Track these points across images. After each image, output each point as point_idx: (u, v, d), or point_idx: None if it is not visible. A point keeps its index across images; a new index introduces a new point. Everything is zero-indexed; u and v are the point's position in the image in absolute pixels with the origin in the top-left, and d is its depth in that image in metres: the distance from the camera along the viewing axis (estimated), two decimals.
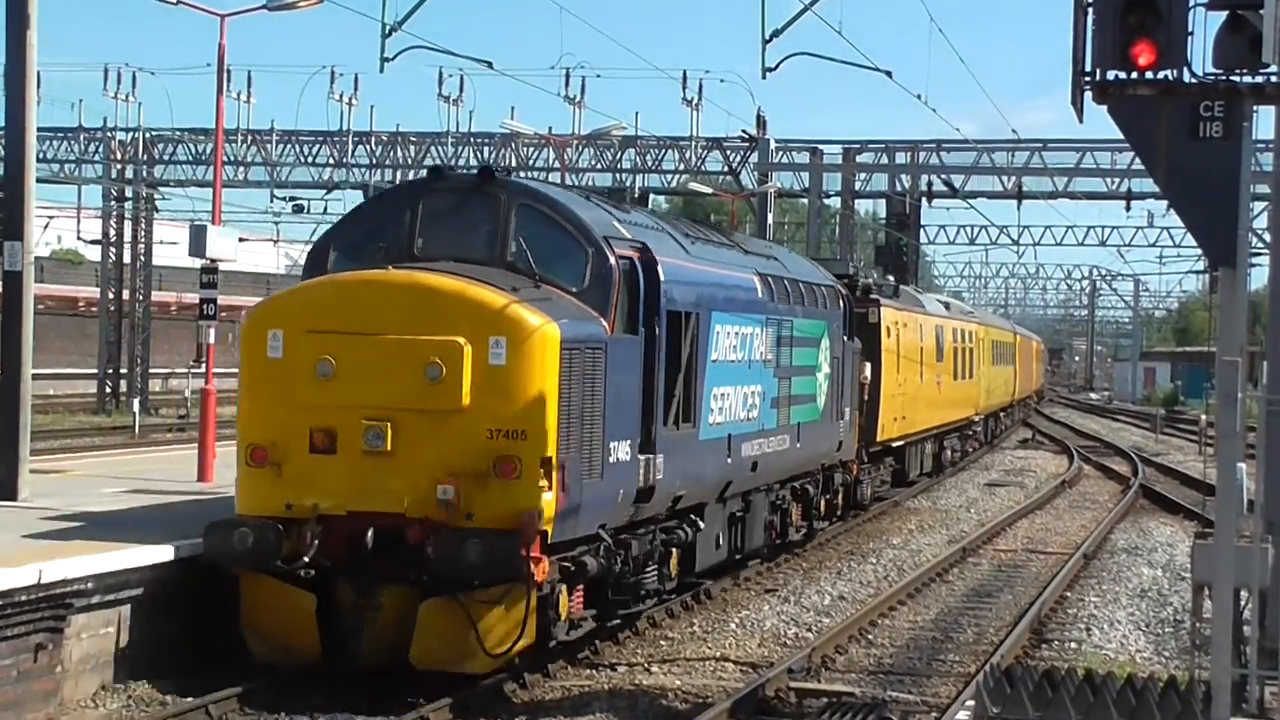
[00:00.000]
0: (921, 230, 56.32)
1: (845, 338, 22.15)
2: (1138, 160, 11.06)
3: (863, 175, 48.52)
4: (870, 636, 16.20)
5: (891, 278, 35.10)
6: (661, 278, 14.11)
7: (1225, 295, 9.67)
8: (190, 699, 11.86)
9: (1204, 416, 44.27)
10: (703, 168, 48.73)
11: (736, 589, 18.80)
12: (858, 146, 47.47)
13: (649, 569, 14.55)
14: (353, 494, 12.23)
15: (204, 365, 21.03)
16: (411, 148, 49.00)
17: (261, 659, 12.40)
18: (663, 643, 15.56)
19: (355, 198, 53.02)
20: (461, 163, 49.11)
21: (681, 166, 49.06)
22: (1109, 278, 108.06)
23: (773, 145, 43.77)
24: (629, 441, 13.47)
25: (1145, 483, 34.63)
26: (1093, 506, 30.65)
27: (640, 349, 13.78)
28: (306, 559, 12.15)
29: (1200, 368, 78.21)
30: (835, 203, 50.31)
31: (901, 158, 48.31)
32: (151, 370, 50.97)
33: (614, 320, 13.25)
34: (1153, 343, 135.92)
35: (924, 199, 48.74)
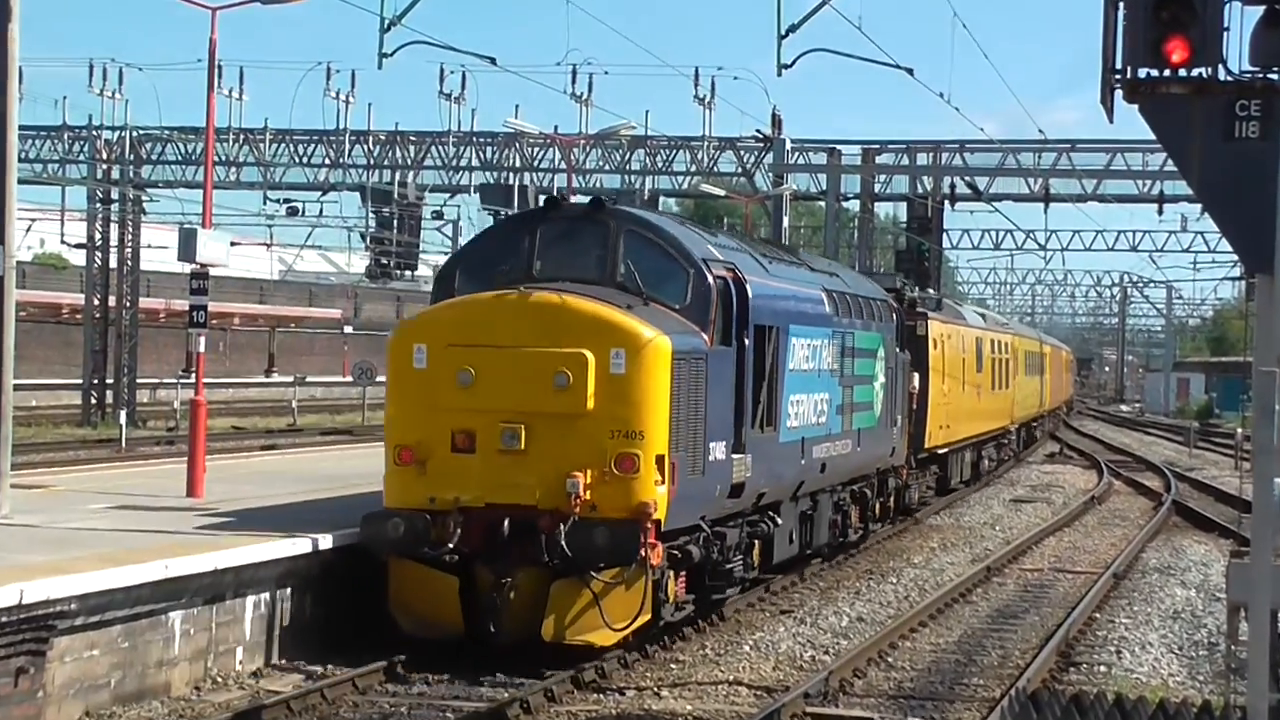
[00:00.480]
0: (944, 234, 56.27)
1: (898, 349, 24.81)
2: (1170, 162, 11.04)
3: (882, 177, 48.53)
4: (890, 659, 16.18)
5: (933, 291, 36.34)
6: (750, 295, 16.64)
7: (1262, 303, 9.64)
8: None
9: (1240, 430, 44.20)
10: (715, 169, 48.76)
11: (750, 609, 18.80)
12: (877, 147, 47.49)
13: (736, 559, 16.88)
14: (490, 488, 14.65)
15: (194, 375, 21.04)
16: (411, 147, 49.09)
17: (409, 633, 14.81)
18: (673, 666, 15.55)
19: (352, 200, 53.16)
20: (463, 162, 49.18)
21: (693, 168, 49.10)
22: (1140, 284, 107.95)
23: (788, 145, 43.77)
24: (724, 442, 15.94)
25: (1178, 499, 34.59)
26: (1123, 524, 30.61)
27: (733, 359, 16.28)
28: (450, 546, 14.59)
29: (1236, 379, 78.06)
30: (854, 206, 50.32)
31: (923, 159, 48.32)
32: (139, 380, 51.04)
33: (712, 334, 15.78)
34: (1186, 353, 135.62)
35: (946, 202, 48.71)
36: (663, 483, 14.67)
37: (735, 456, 16.27)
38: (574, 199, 25.92)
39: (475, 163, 49.59)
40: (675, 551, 15.14)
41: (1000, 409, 40.50)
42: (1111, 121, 10.01)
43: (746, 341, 16.65)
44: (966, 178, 46.97)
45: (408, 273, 53.06)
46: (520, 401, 14.64)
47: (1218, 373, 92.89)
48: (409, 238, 50.44)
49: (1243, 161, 9.33)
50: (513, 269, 15.78)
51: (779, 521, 18.28)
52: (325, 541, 15.54)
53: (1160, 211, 47.79)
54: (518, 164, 49.86)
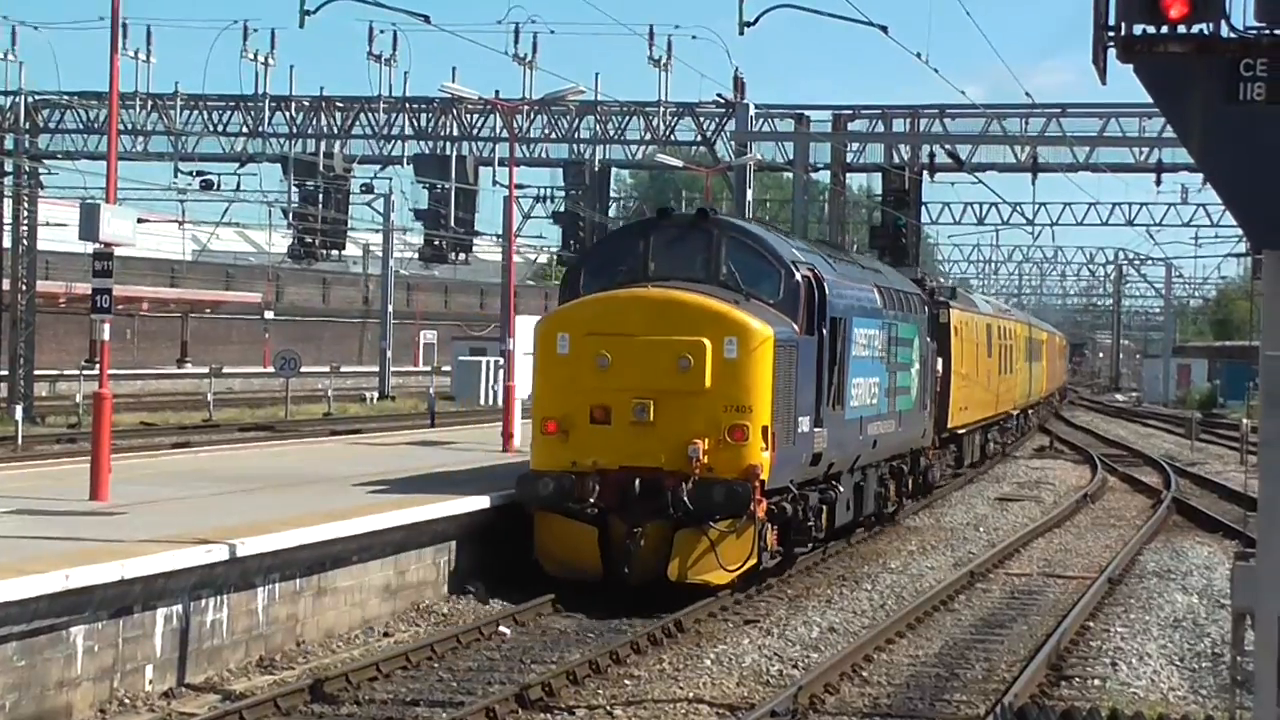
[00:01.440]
0: (923, 208, 56.35)
1: (928, 337, 30.02)
2: (1169, 127, 11.05)
3: (855, 145, 48.56)
4: (865, 674, 16.22)
5: (938, 282, 39.16)
6: (826, 291, 21.66)
7: (1270, 281, 9.64)
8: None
9: (1246, 421, 44.49)
10: (672, 137, 48.73)
11: (712, 620, 18.82)
12: (849, 113, 47.50)
13: (812, 519, 21.57)
14: (623, 454, 19.52)
15: (98, 366, 20.86)
16: (338, 114, 48.85)
17: (554, 574, 19.60)
18: (628, 681, 15.56)
19: (273, 172, 52.86)
20: (395, 131, 48.97)
21: (648, 136, 49.04)
22: (1137, 262, 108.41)
23: (752, 111, 43.77)
24: (809, 417, 20.90)
25: (1179, 496, 34.81)
26: (1119, 524, 30.78)
27: (815, 346, 21.25)
28: (591, 501, 19.47)
29: (1242, 365, 78.69)
30: (824, 177, 50.36)
31: (899, 125, 48.37)
32: (37, 372, 50.63)
33: (800, 324, 20.73)
34: (1187, 336, 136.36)
35: (925, 172, 48.78)
36: (766, 449, 19.59)
37: (816, 430, 21.28)
38: (516, 169, 27.58)
39: (408, 131, 49.39)
40: (773, 507, 20.08)
41: (1005, 393, 45.54)
42: (1104, 84, 10.00)
43: (824, 331, 21.61)
44: (947, 146, 47.04)
45: (335, 252, 52.83)
46: (649, 381, 19.53)
47: (1222, 358, 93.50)
48: (336, 213, 50.21)
49: (1248, 126, 9.30)
50: (631, 269, 20.89)
51: (841, 490, 23.02)
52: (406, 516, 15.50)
53: (1158, 182, 47.91)
54: (455, 132, 49.68)
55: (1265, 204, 9.40)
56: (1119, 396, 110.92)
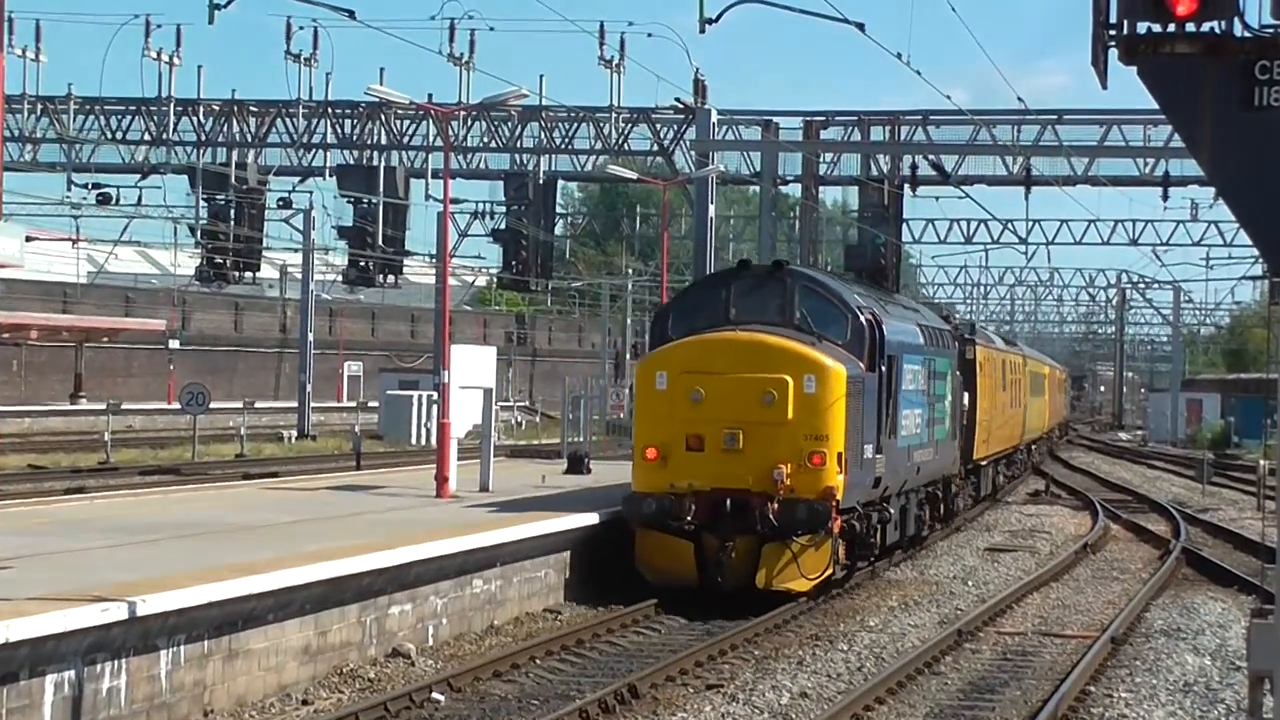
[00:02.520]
0: (904, 225, 56.67)
1: (956, 371, 35.45)
2: (1177, 136, 11.10)
3: (829, 156, 48.80)
4: None
5: (959, 318, 43.67)
6: (885, 332, 27.01)
7: None
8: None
9: (1263, 462, 44.68)
10: (625, 146, 48.90)
11: (670, 684, 18.78)
12: (822, 120, 47.76)
13: (872, 537, 27.22)
14: (716, 477, 24.71)
15: None
16: (252, 120, 48.82)
17: (654, 583, 24.72)
18: None
19: (179, 185, 52.61)
20: (317, 138, 48.91)
21: (598, 145, 49.16)
22: (1142, 285, 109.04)
23: (714, 118, 43.86)
24: (871, 445, 26.33)
25: (1189, 546, 34.94)
26: (1122, 577, 30.88)
27: (876, 382, 26.69)
28: (688, 519, 24.55)
29: (1258, 400, 79.15)
30: (794, 191, 50.63)
31: (878, 133, 48.67)
32: None
33: (865, 362, 26.23)
34: (1198, 368, 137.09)
35: (906, 186, 49.05)
36: (840, 473, 24.87)
37: (876, 456, 26.69)
38: (452, 182, 28.42)
39: (331, 139, 49.41)
40: (845, 524, 25.38)
41: (1016, 427, 50.90)
42: (1105, 88, 10.02)
43: (883, 368, 27.07)
44: (930, 156, 47.32)
45: (248, 274, 52.77)
46: (738, 413, 24.79)
47: (1236, 392, 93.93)
48: (249, 231, 50.12)
49: (1264, 135, 9.31)
50: (713, 314, 26.23)
51: (891, 511, 28.38)
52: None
53: (1165, 196, 48.36)
54: (383, 141, 49.71)
55: None
56: (1122, 435, 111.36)
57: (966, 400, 37.34)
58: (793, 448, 24.73)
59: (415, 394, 65.41)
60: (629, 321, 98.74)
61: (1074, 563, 32.60)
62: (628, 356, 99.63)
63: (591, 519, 25.61)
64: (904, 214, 52.70)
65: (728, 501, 24.69)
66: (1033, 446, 61.14)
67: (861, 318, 26.62)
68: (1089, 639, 22.64)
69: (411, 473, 36.74)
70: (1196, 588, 29.11)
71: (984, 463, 42.45)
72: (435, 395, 43.21)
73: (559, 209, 73.74)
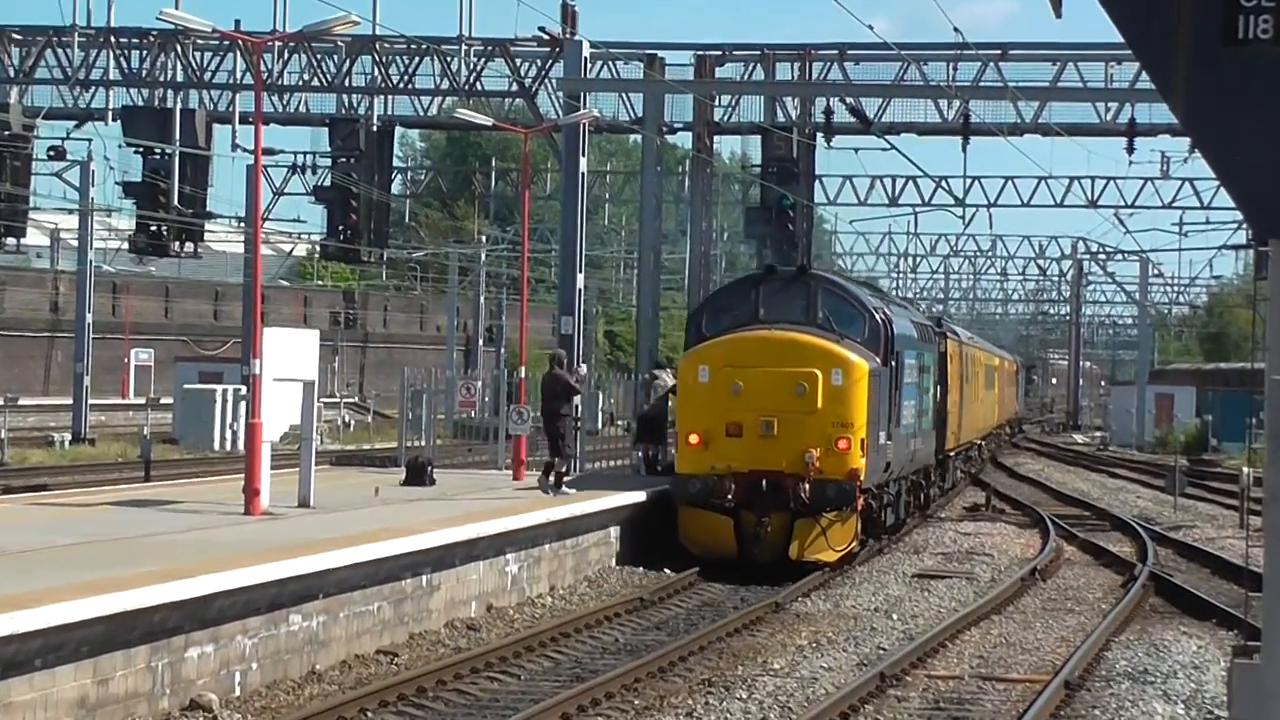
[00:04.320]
0: (816, 183, 56.88)
1: (934, 365, 44.53)
2: (1145, 76, 11.15)
3: (726, 98, 48.85)
4: None
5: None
6: (894, 330, 36.21)
7: (1276, 280, 9.72)
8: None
9: (1247, 470, 45.20)
10: (478, 86, 48.71)
11: None
12: (718, 54, 47.82)
13: (884, 516, 36.97)
14: (753, 460, 33.09)
15: None
16: (14, 49, 48.21)
17: (697, 555, 33.20)
18: None
19: None
20: (96, 74, 48.40)
21: (445, 84, 48.96)
22: (1102, 256, 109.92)
23: (587, 51, 43.83)
24: (884, 432, 35.10)
25: (1158, 571, 35.28)
26: (1078, 609, 31.14)
27: (889, 375, 35.58)
28: (728, 498, 32.95)
29: (1241, 394, 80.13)
30: (684, 141, 50.66)
31: (784, 71, 48.78)
32: None
33: (882, 358, 34.94)
34: (1169, 356, 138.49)
35: (820, 135, 49.21)
36: (863, 456, 33.55)
37: (887, 443, 35.73)
38: (265, 128, 27.63)
39: (114, 75, 48.87)
40: (866, 502, 34.53)
41: (976, 421, 60.20)
42: (1059, 16, 10.07)
43: (893, 363, 36.13)
44: (848, 99, 47.49)
45: (10, 240, 52.12)
46: (773, 403, 33.38)
47: (1214, 385, 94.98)
48: (12, 187, 49.52)
49: (1249, 75, 9.37)
50: (744, 314, 35.25)
51: (893, 493, 38.30)
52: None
53: (1130, 149, 48.72)
54: (179, 77, 49.24)
55: (1270, 180, 9.46)
56: (1078, 437, 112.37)
57: (939, 394, 45.77)
58: (821, 434, 33.36)
59: (219, 388, 64.93)
60: (482, 299, 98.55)
61: (1020, 592, 32.84)
62: (480, 342, 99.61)
63: (447, 536, 25.56)
64: (816, 169, 52.87)
65: (764, 482, 33.31)
66: (982, 445, 68.30)
67: (877, 317, 36.01)
68: (1038, 684, 22.80)
69: (215, 485, 36.48)
70: (1167, 621, 29.38)
71: (953, 454, 52.38)
72: (244, 390, 42.85)
73: (397, 162, 73.35)
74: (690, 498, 33.69)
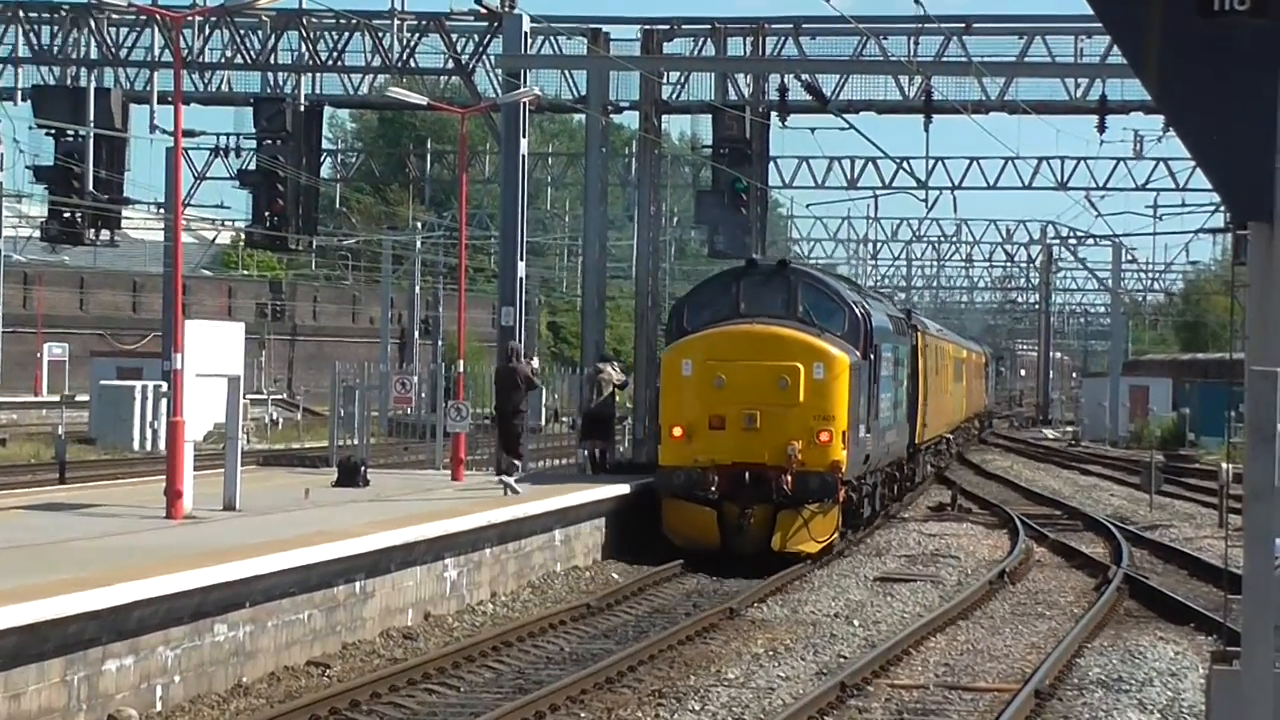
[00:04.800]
0: (771, 165, 56.93)
1: (907, 358, 47.98)
2: (1117, 50, 11.15)
3: (675, 75, 48.83)
4: None
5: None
6: (873, 324, 38.80)
7: (1256, 265, 9.75)
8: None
9: (1226, 465, 45.34)
10: (412, 63, 48.61)
11: None
12: (666, 28, 47.76)
13: (863, 507, 39.85)
14: (736, 452, 35.64)
15: None
16: None
17: (680, 546, 35.77)
18: None
19: None
20: (4, 51, 48.20)
21: (376, 60, 48.86)
22: (1072, 241, 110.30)
23: (527, 26, 43.80)
24: (864, 425, 37.92)
25: (1133, 573, 35.38)
26: (1049, 613, 31.21)
27: (868, 369, 38.15)
28: (712, 490, 35.45)
29: (1219, 386, 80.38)
30: (630, 120, 50.58)
31: (737, 46, 48.78)
32: None
33: (861, 351, 37.59)
34: (1144, 346, 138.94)
35: (774, 114, 49.24)
36: (844, 449, 35.84)
37: (865, 435, 38.29)
38: (185, 108, 27.63)
39: (24, 52, 48.67)
40: (847, 494, 36.95)
41: (944, 415, 62.91)
42: None
43: (872, 357, 38.67)
44: (804, 76, 47.53)
45: None
46: (756, 396, 35.61)
47: (1191, 376, 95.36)
48: None
49: (1228, 50, 9.38)
50: (724, 308, 37.66)
51: (869, 486, 41.00)
52: None
53: (1102, 127, 48.81)
54: (93, 54, 49.06)
55: (1249, 160, 9.46)
56: (1048, 432, 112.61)
57: (910, 387, 48.98)
58: (803, 426, 35.72)
59: (138, 385, 64.72)
60: (418, 289, 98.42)
61: (988, 595, 32.91)
62: (416, 334, 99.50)
63: (382, 540, 25.51)
64: (770, 150, 52.89)
65: (746, 474, 35.63)
66: (950, 439, 70.46)
67: (856, 311, 38.58)
68: (1007, 693, 22.85)
69: (134, 487, 36.37)
70: (1142, 626, 29.47)
71: (924, 447, 55.55)
72: (165, 386, 42.69)
73: (326, 144, 73.07)
74: (674, 489, 36.12)
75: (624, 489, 36.95)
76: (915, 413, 50.54)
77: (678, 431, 36.20)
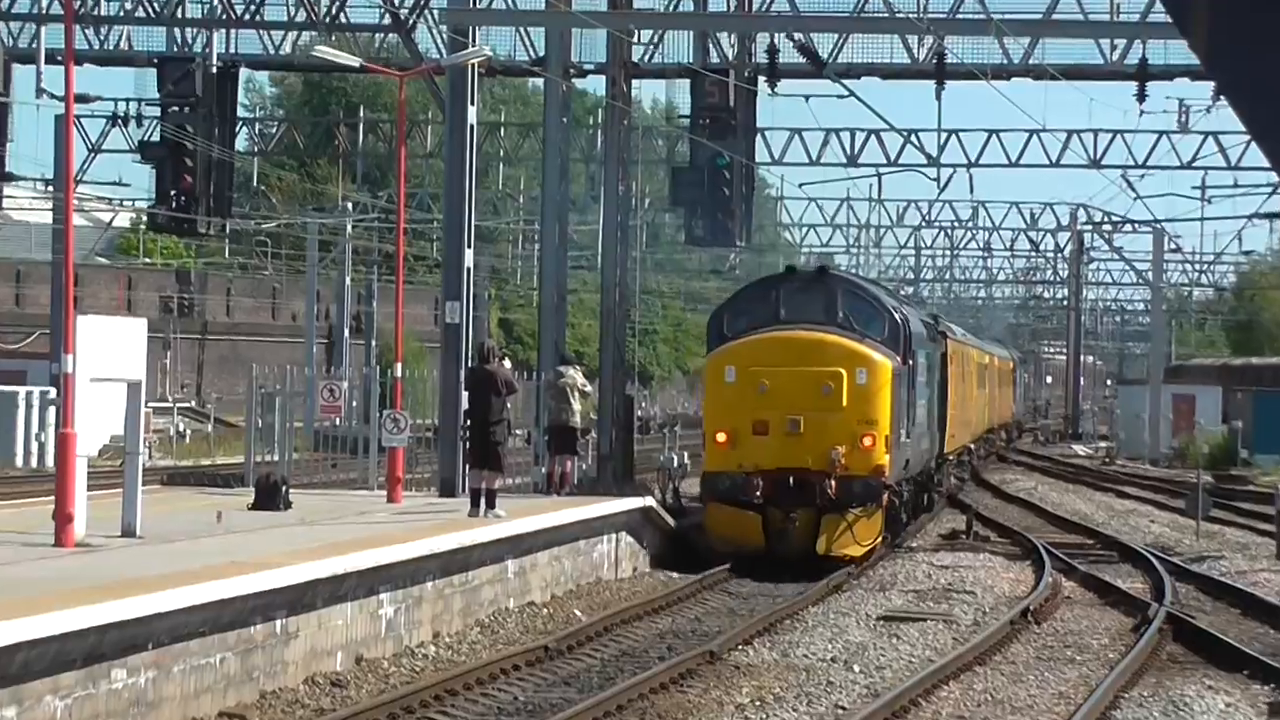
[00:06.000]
0: (758, 138, 56.92)
1: (937, 365, 54.72)
2: (1159, 7, 11.20)
3: (647, 34, 48.85)
4: None
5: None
6: (911, 330, 46.22)
7: None
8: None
9: None
10: (343, 18, 48.61)
11: None
12: None
13: (903, 513, 48.72)
14: (780, 458, 41.97)
15: None
16: None
17: (723, 551, 42.19)
18: None
19: None
20: None
21: (301, 15, 48.87)
22: (1107, 228, 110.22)
23: None
24: (904, 430, 45.36)
25: (1178, 612, 35.43)
26: (1080, 658, 31.24)
27: (907, 375, 45.32)
28: (757, 494, 41.75)
29: (1277, 395, 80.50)
30: (596, 85, 50.63)
31: (720, 3, 48.79)
32: None
33: (902, 357, 44.48)
34: (1190, 348, 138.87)
35: (762, 79, 49.27)
36: (887, 453, 41.79)
37: (906, 441, 44.77)
38: (78, 69, 27.45)
39: None
40: (890, 499, 43.56)
41: (969, 425, 70.27)
42: None
43: (910, 362, 44.45)
44: (797, 35, 47.54)
45: None
46: (799, 402, 41.49)
47: (1245, 384, 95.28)
48: None
49: None
50: (764, 315, 43.53)
51: (909, 492, 47.88)
52: None
53: (1142, 96, 48.91)
54: None
55: None
56: (1078, 448, 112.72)
57: (938, 395, 54.92)
58: (847, 431, 41.56)
59: (22, 391, 64.62)
60: (348, 281, 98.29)
61: (1009, 637, 32.94)
62: (346, 333, 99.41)
63: (306, 571, 25.50)
64: (758, 122, 52.97)
65: (791, 479, 41.36)
66: (973, 449, 77.31)
67: (896, 316, 44.75)
68: None
69: (17, 510, 36.32)
70: (1188, 673, 29.52)
71: (951, 456, 63.02)
72: (53, 393, 42.58)
73: (243, 112, 72.97)
74: (719, 494, 42.35)
75: (590, 512, 37.64)
76: (944, 422, 56.89)
77: (721, 437, 42.29)
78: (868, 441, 41.76)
